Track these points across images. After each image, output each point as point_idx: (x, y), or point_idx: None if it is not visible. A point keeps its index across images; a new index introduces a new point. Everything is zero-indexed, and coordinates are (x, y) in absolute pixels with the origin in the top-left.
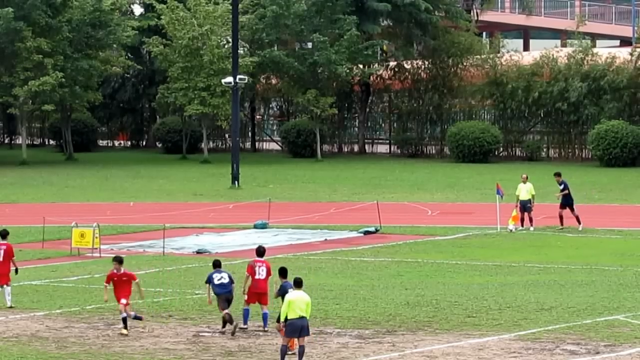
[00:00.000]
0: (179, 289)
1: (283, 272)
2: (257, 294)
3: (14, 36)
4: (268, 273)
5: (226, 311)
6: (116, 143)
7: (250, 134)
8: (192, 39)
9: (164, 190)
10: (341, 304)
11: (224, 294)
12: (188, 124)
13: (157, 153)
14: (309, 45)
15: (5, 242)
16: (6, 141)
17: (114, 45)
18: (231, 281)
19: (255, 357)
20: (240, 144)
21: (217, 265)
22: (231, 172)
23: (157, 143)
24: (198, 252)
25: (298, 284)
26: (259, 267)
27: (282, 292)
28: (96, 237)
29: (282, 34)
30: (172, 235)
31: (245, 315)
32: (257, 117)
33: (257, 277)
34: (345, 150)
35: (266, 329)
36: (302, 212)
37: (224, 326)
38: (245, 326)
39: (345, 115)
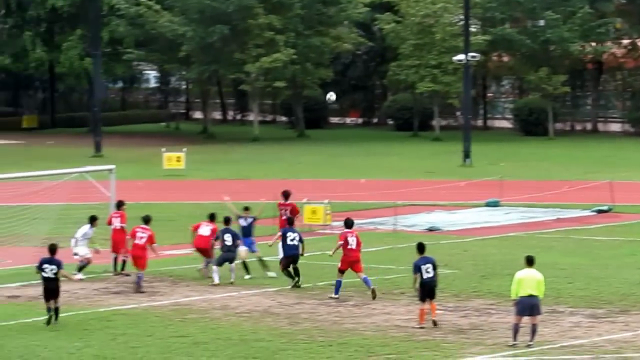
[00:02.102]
0: (410, 266)
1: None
2: (350, 262)
3: (246, 13)
4: (358, 243)
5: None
6: (347, 120)
7: (481, 111)
8: (424, 17)
9: (395, 167)
10: (574, 282)
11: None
12: (419, 101)
13: (388, 130)
14: (541, 22)
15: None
16: (238, 118)
17: (345, 22)
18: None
19: (486, 335)
20: (472, 122)
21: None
22: (462, 150)
23: (388, 120)
24: (430, 230)
25: (530, 262)
26: (350, 237)
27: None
28: (327, 214)
29: (514, 11)
30: (403, 212)
31: (337, 286)
32: (489, 95)
33: (349, 247)
34: (578, 128)
35: (372, 287)
36: (534, 190)
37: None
38: (337, 296)
39: (578, 94)
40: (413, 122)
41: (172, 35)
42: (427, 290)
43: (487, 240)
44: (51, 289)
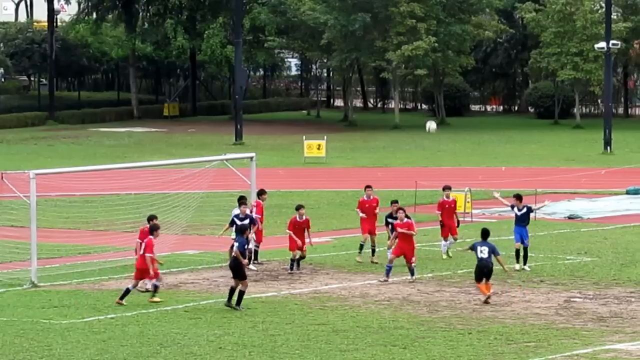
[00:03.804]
0: (550, 254)
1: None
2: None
3: (387, 1)
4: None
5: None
6: (488, 108)
7: (622, 99)
8: (565, 4)
9: (535, 155)
10: None
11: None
12: (560, 89)
13: (528, 118)
14: None
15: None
16: (379, 105)
17: (487, 10)
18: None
19: (626, 323)
20: (613, 110)
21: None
22: (603, 138)
23: (529, 108)
24: (570, 218)
25: None
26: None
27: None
28: (467, 202)
29: None
30: (544, 200)
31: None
32: (630, 82)
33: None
34: None
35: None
36: None
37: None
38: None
39: None
40: (554, 110)
41: (313, 23)
42: (482, 271)
43: (628, 228)
44: (231, 267)
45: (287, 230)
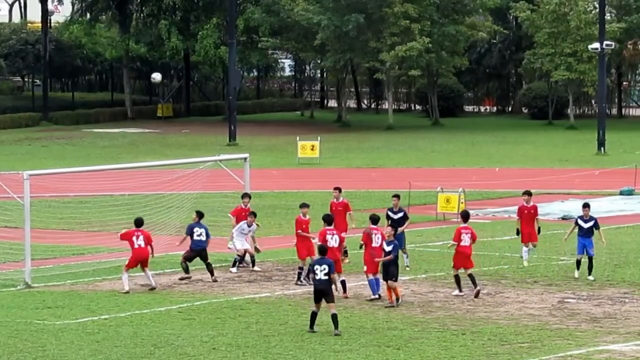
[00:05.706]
0: (544, 254)
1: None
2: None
3: (381, 2)
4: (383, 238)
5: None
6: (482, 108)
7: (616, 100)
8: (559, 5)
9: (529, 155)
10: None
11: (198, 249)
12: (554, 89)
13: (522, 119)
14: None
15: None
16: (372, 106)
17: (480, 10)
18: (207, 236)
19: (620, 323)
20: (607, 110)
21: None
22: (597, 139)
23: (522, 109)
24: (563, 218)
25: None
26: (375, 234)
27: None
28: (462, 203)
29: None
30: (537, 200)
31: (373, 285)
32: (624, 83)
33: (373, 244)
34: None
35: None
36: None
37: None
38: (376, 296)
39: None
40: (548, 111)
41: (307, 23)
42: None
43: (621, 229)
44: (320, 290)
45: (299, 232)
